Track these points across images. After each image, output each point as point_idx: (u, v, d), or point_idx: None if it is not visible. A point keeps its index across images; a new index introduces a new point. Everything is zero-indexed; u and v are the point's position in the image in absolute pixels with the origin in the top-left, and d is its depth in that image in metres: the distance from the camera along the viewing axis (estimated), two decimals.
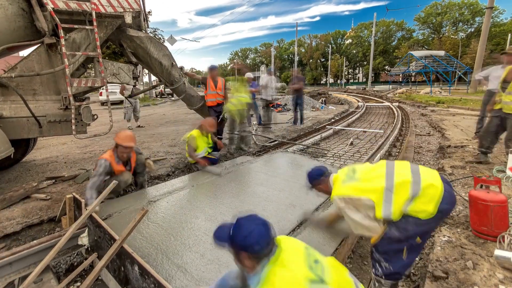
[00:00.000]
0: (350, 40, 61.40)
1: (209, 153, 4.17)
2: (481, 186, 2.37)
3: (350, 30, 63.04)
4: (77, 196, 2.63)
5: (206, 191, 3.19)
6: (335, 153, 5.15)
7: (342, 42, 64.32)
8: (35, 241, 2.23)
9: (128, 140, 2.85)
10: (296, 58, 30.93)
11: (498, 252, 1.79)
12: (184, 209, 2.69)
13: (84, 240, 2.42)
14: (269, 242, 1.11)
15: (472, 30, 46.24)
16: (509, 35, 33.82)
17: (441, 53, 26.11)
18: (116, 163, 2.89)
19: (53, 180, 3.67)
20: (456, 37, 45.38)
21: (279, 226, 2.35)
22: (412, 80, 40.34)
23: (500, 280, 1.65)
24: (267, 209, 2.68)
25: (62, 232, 2.37)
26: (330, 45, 57.82)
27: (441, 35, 48.10)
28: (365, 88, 34.76)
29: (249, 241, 1.09)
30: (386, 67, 55.71)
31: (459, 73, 25.38)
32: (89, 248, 2.43)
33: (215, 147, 4.35)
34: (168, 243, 2.11)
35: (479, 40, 21.10)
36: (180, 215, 2.57)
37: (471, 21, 46.54)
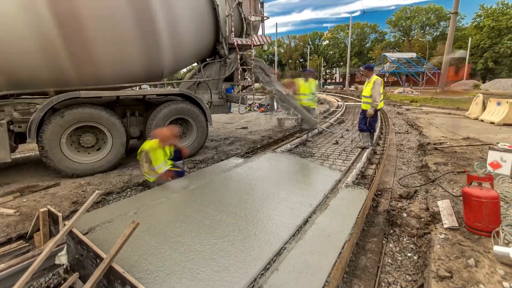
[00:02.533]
0: (327, 41, 63.07)
1: (172, 165, 3.46)
2: (471, 183, 2.45)
3: (327, 31, 64.82)
4: (52, 209, 2.35)
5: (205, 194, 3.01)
6: (322, 153, 5.16)
7: (319, 43, 65.88)
8: (3, 265, 1.94)
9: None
10: (276, 58, 31.13)
11: (497, 248, 1.83)
12: (180, 217, 2.50)
13: (62, 258, 2.16)
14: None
15: (438, 33, 49.53)
16: (469, 38, 36.68)
17: (413, 55, 27.64)
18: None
19: (22, 192, 3.28)
20: (423, 40, 48.31)
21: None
22: (385, 80, 42.35)
23: (502, 276, 1.68)
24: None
25: (36, 252, 2.09)
26: (309, 46, 58.97)
27: (410, 38, 50.96)
28: (342, 88, 35.89)
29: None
30: (361, 67, 57.95)
31: (429, 74, 27.04)
32: (68, 268, 2.18)
33: (177, 157, 3.70)
34: (163, 258, 1.93)
35: (445, 43, 22.65)
36: (176, 225, 2.39)
37: (437, 25, 49.87)
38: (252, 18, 5.42)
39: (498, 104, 8.27)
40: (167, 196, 2.97)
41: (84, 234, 2.14)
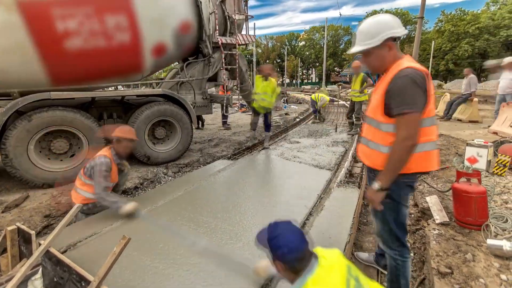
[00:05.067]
0: (303, 42, 64.51)
1: None
2: (462, 179, 2.53)
3: (303, 32, 66.30)
4: (22, 226, 2.07)
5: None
6: (309, 151, 5.18)
7: (296, 44, 67.18)
8: None
9: (132, 133, 2.62)
10: (255, 59, 31.21)
11: (490, 241, 1.91)
12: (172, 227, 2.32)
13: (36, 283, 1.90)
14: (303, 255, 1.04)
15: (404, 37, 52.79)
16: (432, 42, 39.53)
17: None
18: (115, 162, 2.56)
19: None
20: None
21: None
22: None
23: (498, 269, 1.74)
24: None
25: (4, 278, 1.82)
26: (286, 47, 59.93)
27: None
28: (319, 88, 36.82)
29: (282, 251, 1.04)
30: (336, 68, 60.03)
31: None
32: None
33: None
34: (157, 274, 1.76)
35: (410, 45, 24.12)
36: (169, 236, 2.21)
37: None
38: (236, 17, 5.31)
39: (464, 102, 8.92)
40: (155, 204, 2.77)
41: (62, 253, 1.90)
